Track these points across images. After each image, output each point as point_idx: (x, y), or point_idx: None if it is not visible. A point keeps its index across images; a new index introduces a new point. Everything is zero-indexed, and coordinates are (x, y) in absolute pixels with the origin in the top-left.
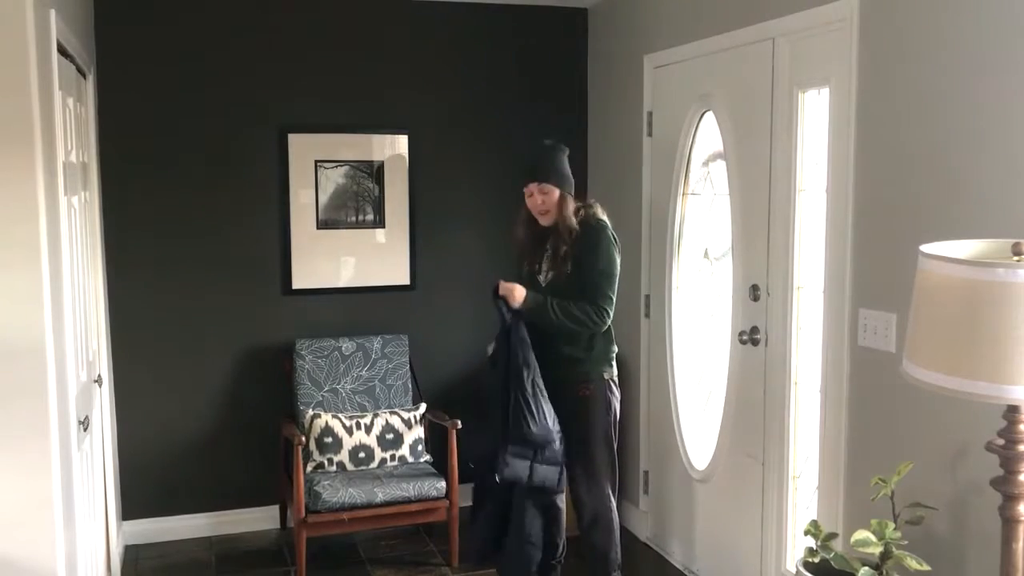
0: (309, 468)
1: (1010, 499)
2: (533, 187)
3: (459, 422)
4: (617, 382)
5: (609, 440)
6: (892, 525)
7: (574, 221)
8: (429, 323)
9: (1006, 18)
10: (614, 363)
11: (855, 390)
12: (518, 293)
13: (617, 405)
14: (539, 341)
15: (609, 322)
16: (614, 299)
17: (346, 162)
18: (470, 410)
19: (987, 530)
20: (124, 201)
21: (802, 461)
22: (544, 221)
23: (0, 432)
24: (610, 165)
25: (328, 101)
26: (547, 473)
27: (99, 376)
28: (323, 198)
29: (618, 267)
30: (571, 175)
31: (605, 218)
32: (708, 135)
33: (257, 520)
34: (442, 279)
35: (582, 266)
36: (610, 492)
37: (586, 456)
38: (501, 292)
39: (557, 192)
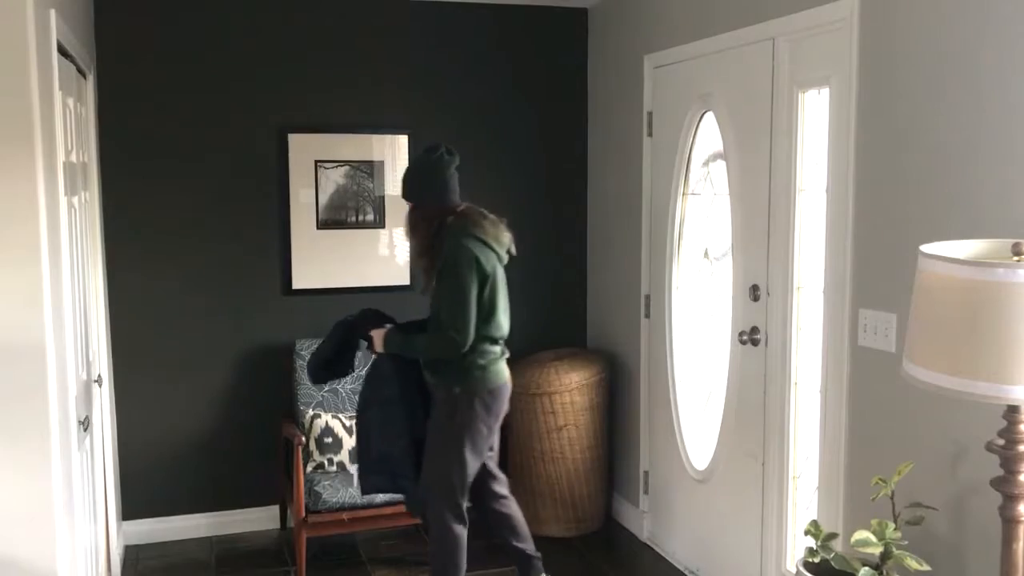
0: (309, 468)
1: (1010, 499)
2: None
3: None
4: (473, 396)
5: (445, 455)
6: (892, 525)
7: (413, 234)
8: None
9: (1006, 18)
10: (472, 374)
11: (855, 390)
12: (376, 343)
13: (466, 420)
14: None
15: (464, 340)
16: (460, 317)
17: (346, 162)
18: None
19: (987, 530)
20: (124, 201)
21: (802, 461)
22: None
23: (0, 432)
24: (610, 165)
25: (328, 101)
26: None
27: (99, 376)
28: (323, 198)
29: (468, 282)
30: (422, 184)
31: (471, 232)
32: (708, 135)
33: (257, 520)
34: None
35: (438, 282)
36: (444, 510)
37: (429, 462)
38: (375, 344)
39: (409, 205)
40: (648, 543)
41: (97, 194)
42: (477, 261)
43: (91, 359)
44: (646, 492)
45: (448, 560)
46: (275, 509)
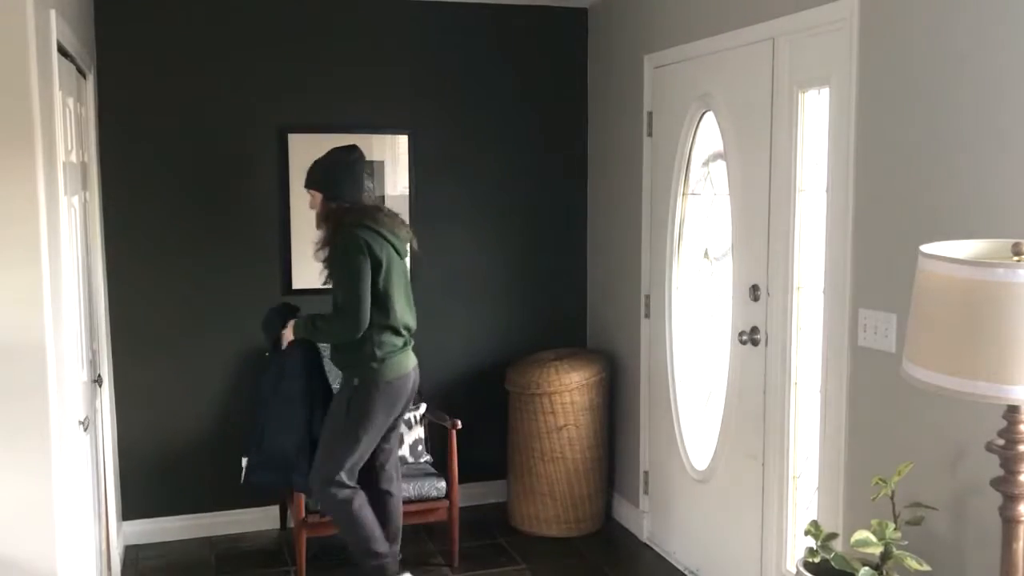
0: None
1: (1010, 499)
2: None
3: (459, 422)
4: (371, 387)
5: (337, 441)
6: (892, 525)
7: (323, 225)
8: (429, 324)
9: (1005, 17)
10: (369, 365)
11: (855, 390)
12: (287, 333)
13: (364, 411)
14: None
15: (359, 322)
16: (353, 297)
17: None
18: (470, 410)
19: (987, 530)
20: (124, 201)
21: (802, 461)
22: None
23: (0, 432)
24: (610, 165)
25: (328, 101)
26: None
27: (99, 376)
28: None
29: (356, 266)
30: (341, 180)
31: (364, 223)
32: (708, 135)
33: (257, 520)
34: (442, 280)
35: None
36: (326, 487)
37: (320, 448)
38: (287, 333)
39: (318, 196)
40: (648, 543)
41: (97, 194)
42: (368, 246)
43: (91, 359)
44: (646, 492)
45: (358, 531)
46: (275, 509)
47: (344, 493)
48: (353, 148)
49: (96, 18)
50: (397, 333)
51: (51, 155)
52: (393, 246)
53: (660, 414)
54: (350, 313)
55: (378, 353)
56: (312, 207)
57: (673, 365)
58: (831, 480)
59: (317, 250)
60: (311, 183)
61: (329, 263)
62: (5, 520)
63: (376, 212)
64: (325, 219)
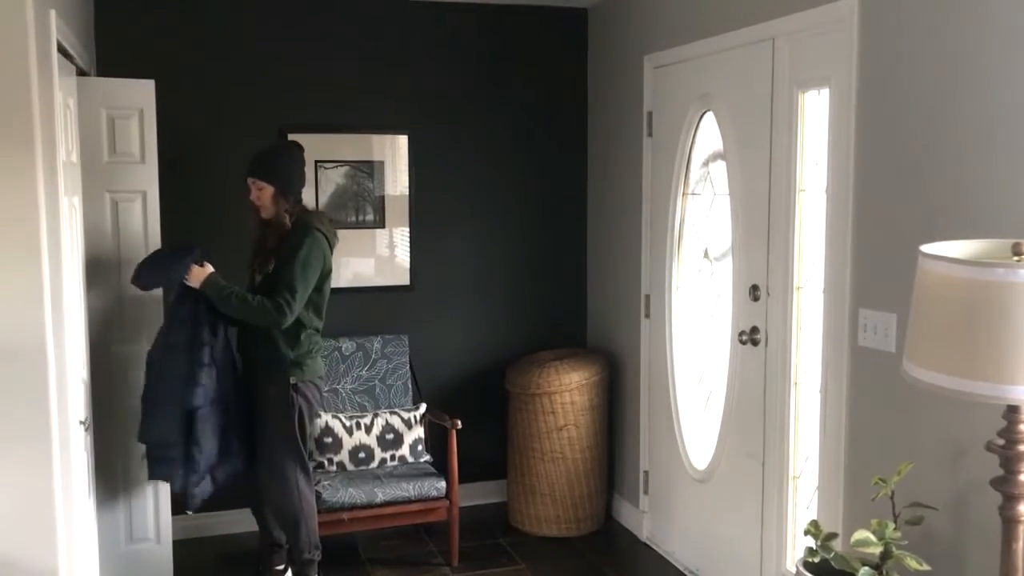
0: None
1: (1010, 499)
2: (249, 181)
3: (459, 422)
4: (307, 383)
5: (290, 438)
6: (892, 525)
7: (286, 219)
8: (429, 323)
9: (1006, 18)
10: (304, 366)
11: (855, 390)
12: (196, 274)
13: (302, 405)
14: (239, 345)
15: (288, 320)
16: (299, 296)
17: (346, 162)
18: (470, 410)
19: (987, 530)
20: None
21: (802, 461)
22: (262, 214)
23: (0, 432)
24: (610, 165)
25: (328, 101)
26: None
27: None
28: (323, 198)
29: (314, 270)
30: (293, 176)
31: (319, 225)
32: (708, 135)
33: None
34: (442, 279)
35: (280, 263)
36: (296, 484)
37: (267, 451)
38: (192, 275)
39: (270, 189)
40: (648, 543)
41: None
42: (324, 256)
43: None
44: (646, 492)
45: (305, 527)
46: None
47: (309, 483)
48: (299, 145)
49: (96, 18)
50: (319, 334)
51: (51, 155)
52: (332, 253)
53: (660, 414)
54: (286, 306)
55: (314, 350)
56: (256, 199)
57: (673, 365)
58: (831, 480)
59: (261, 239)
60: (268, 175)
61: (285, 254)
62: (6, 520)
63: (327, 220)
64: (278, 215)
